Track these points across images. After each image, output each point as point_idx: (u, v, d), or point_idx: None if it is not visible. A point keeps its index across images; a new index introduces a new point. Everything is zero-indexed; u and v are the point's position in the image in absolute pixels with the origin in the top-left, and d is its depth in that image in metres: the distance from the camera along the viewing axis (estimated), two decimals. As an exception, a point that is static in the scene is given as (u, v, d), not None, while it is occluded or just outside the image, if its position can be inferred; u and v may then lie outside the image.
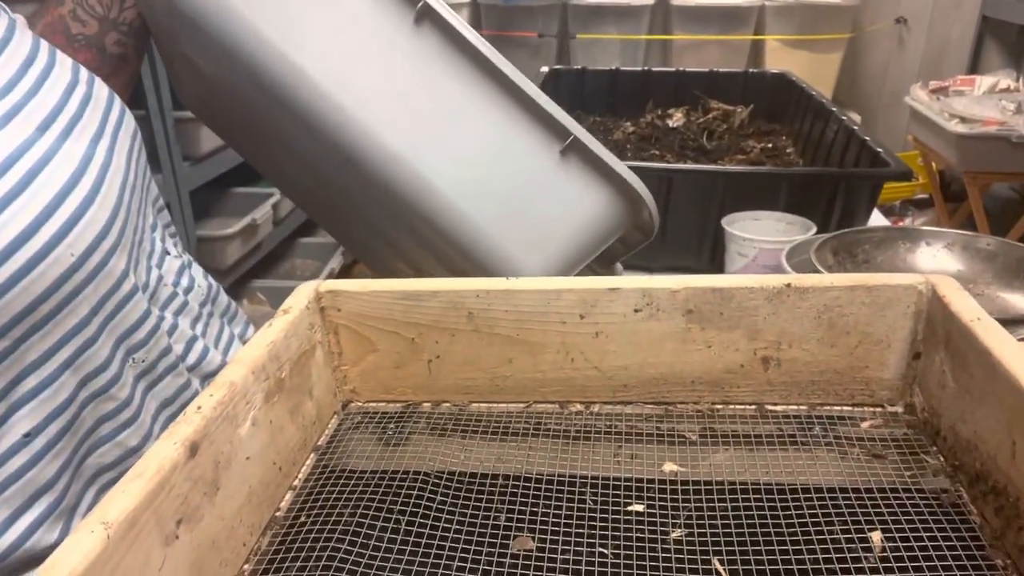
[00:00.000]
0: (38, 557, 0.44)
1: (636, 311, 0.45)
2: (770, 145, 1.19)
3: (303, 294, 0.46)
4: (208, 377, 0.55)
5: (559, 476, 0.42)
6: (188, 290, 0.55)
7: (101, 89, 0.50)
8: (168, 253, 0.54)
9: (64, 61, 0.48)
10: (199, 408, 0.35)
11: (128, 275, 0.46)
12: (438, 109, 0.52)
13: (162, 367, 0.50)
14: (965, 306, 0.40)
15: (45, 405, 0.42)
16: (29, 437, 0.42)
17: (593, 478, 0.42)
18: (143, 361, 0.48)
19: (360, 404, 0.50)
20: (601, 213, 0.55)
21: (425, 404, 0.49)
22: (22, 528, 0.42)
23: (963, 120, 1.72)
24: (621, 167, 0.54)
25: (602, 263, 0.64)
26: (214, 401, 0.36)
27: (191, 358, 0.53)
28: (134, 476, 0.31)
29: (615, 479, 0.42)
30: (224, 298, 0.61)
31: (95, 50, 0.56)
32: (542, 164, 0.53)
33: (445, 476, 0.43)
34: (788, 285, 0.43)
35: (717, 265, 0.91)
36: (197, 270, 0.58)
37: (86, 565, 0.27)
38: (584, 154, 0.54)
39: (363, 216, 0.59)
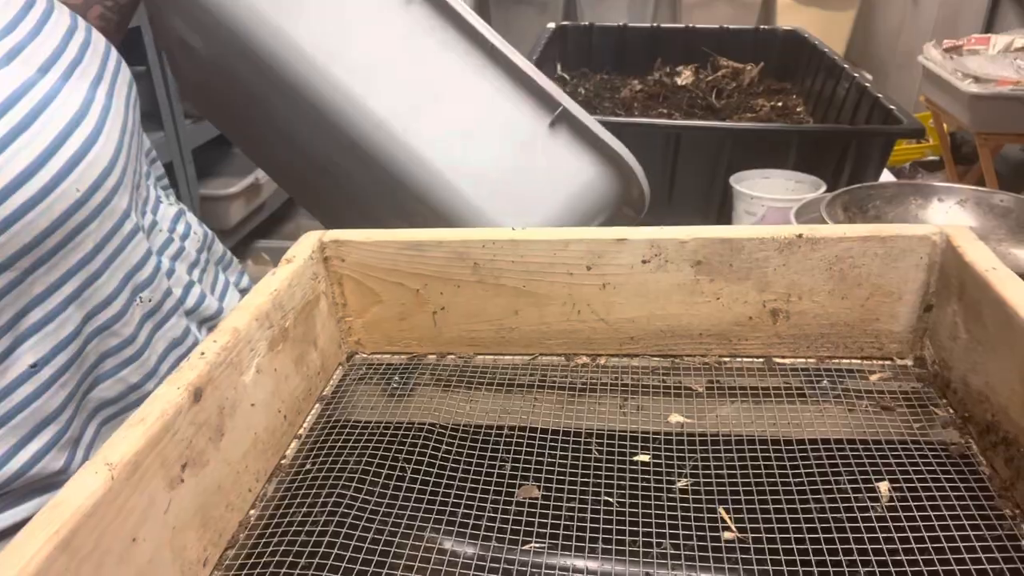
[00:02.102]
0: (45, 483, 0.45)
1: (644, 262, 0.44)
2: (780, 104, 1.17)
3: (307, 243, 0.46)
4: (206, 322, 0.55)
5: (565, 428, 0.42)
6: (184, 236, 0.55)
7: (99, 37, 0.50)
8: (161, 201, 0.55)
9: (62, 7, 0.48)
10: (203, 354, 0.35)
11: (130, 214, 0.47)
12: (427, 80, 0.53)
13: (167, 308, 0.51)
14: (980, 256, 0.39)
15: (51, 337, 0.43)
16: (35, 368, 0.43)
17: (599, 430, 0.42)
18: (150, 300, 0.49)
19: (365, 356, 0.50)
20: (591, 186, 0.54)
21: (430, 356, 0.49)
22: (28, 455, 0.43)
23: (977, 80, 1.69)
24: (611, 138, 0.55)
25: None
26: (217, 347, 0.35)
27: (189, 302, 0.53)
28: (138, 420, 0.30)
29: (621, 431, 0.42)
30: (219, 246, 0.61)
31: None
32: (532, 135, 0.54)
33: (450, 427, 0.42)
34: (799, 236, 0.43)
35: (724, 224, 0.90)
36: (192, 218, 0.58)
37: (92, 504, 0.27)
38: (574, 125, 0.54)
39: (350, 195, 0.60)
